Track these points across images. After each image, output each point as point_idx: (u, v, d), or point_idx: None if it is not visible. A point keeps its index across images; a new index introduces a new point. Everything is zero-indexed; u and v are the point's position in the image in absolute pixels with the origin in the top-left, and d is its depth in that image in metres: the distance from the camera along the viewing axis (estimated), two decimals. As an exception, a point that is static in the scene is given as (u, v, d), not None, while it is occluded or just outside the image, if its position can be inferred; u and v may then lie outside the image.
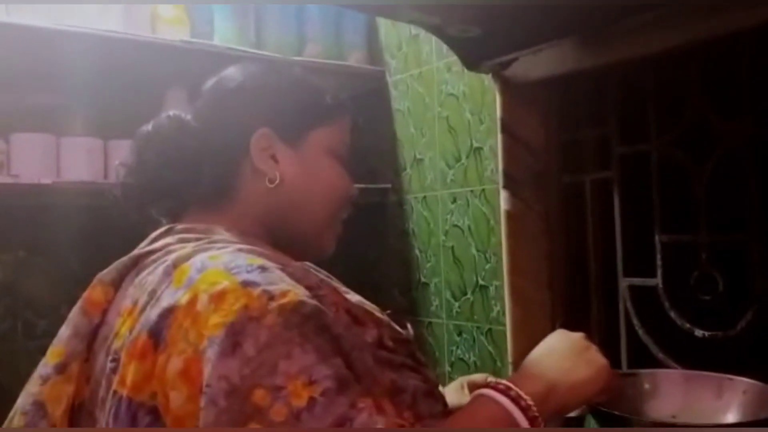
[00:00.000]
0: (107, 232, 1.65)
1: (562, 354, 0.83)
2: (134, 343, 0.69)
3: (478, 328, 1.70)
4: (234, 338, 0.63)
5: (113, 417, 0.68)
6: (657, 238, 1.31)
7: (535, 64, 1.39)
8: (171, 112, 0.90)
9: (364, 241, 2.00)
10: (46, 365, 0.77)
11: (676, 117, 1.29)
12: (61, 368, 0.76)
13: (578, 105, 1.49)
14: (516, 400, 0.73)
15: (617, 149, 1.39)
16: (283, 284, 0.69)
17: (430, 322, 1.84)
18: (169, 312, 0.68)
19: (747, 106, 1.20)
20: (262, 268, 0.70)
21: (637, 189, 1.36)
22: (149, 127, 0.89)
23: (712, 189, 1.25)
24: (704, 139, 1.25)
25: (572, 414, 0.92)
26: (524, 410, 0.72)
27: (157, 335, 0.67)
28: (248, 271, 0.69)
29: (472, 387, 1.04)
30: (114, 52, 1.57)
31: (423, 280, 1.87)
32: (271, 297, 0.66)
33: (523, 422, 0.72)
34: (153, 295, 0.72)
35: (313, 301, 0.69)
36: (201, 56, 1.61)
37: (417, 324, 1.84)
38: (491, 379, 1.01)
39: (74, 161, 1.54)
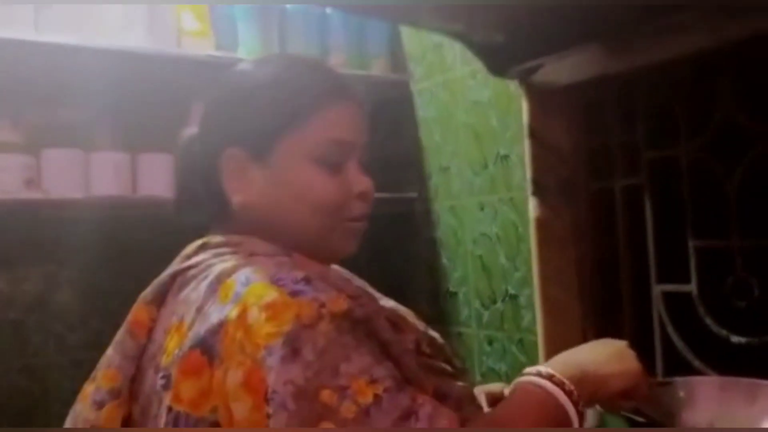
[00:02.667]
0: (135, 245, 1.68)
1: (596, 349, 0.86)
2: (186, 360, 0.70)
3: (509, 337, 1.68)
4: (292, 345, 0.65)
5: None
6: (690, 243, 1.29)
7: (562, 70, 1.37)
8: (190, 129, 0.90)
9: (391, 251, 1.99)
10: (99, 390, 0.78)
11: (706, 120, 1.27)
12: (116, 393, 0.77)
13: (605, 110, 1.47)
14: (560, 385, 0.75)
15: (646, 154, 1.37)
16: (331, 292, 0.70)
17: (460, 332, 1.83)
18: (219, 327, 0.69)
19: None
20: (307, 279, 0.71)
21: (667, 194, 1.33)
22: (178, 142, 0.91)
23: (745, 193, 1.23)
24: (735, 142, 1.23)
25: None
26: (569, 394, 0.75)
27: (209, 350, 0.68)
28: (294, 282, 0.70)
29: (489, 397, 1.05)
30: (140, 68, 1.59)
31: (451, 289, 1.86)
32: (322, 305, 0.68)
33: (570, 407, 0.74)
34: (200, 311, 0.72)
35: (362, 309, 0.71)
36: (226, 69, 1.62)
37: (447, 334, 1.82)
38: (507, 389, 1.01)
39: (103, 176, 1.56)
